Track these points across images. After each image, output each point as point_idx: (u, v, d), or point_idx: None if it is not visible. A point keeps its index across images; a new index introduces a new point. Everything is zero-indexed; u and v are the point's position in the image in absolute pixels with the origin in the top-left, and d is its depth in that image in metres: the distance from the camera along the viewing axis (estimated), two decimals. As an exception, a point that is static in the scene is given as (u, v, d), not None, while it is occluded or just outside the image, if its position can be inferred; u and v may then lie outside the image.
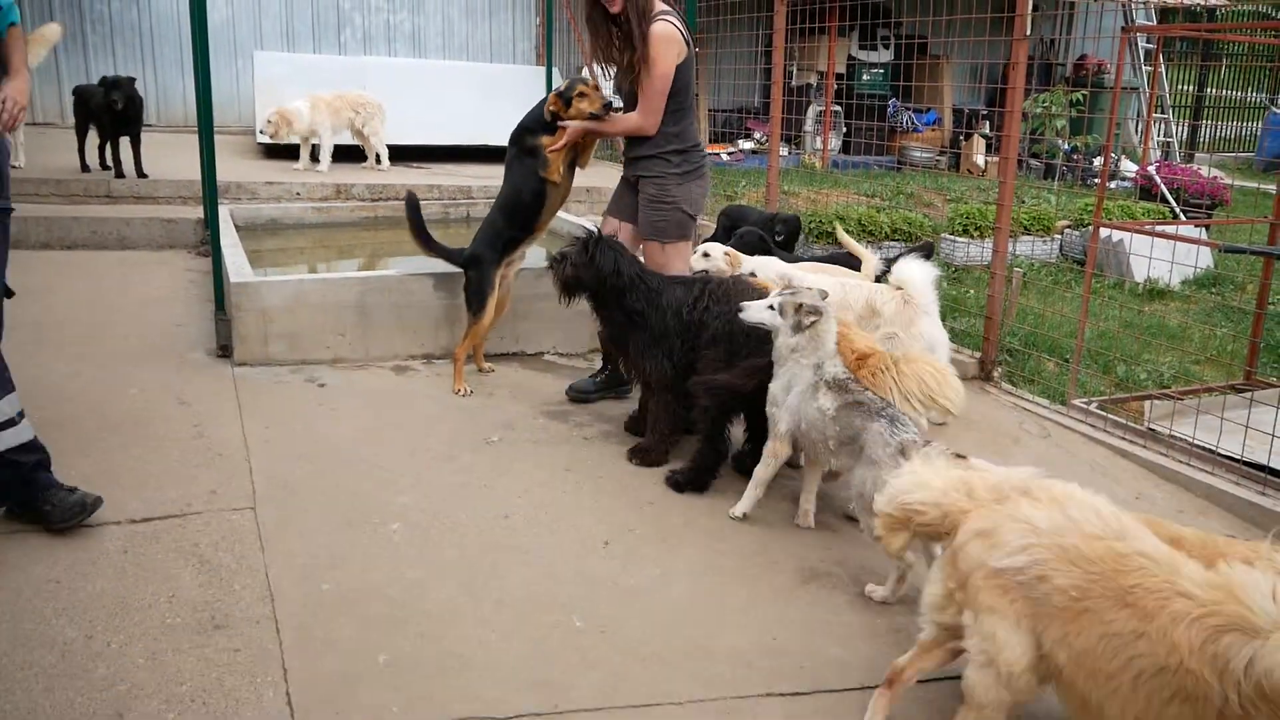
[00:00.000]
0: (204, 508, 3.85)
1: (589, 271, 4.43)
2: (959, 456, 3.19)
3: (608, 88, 5.50)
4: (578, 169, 5.38)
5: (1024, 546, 2.36)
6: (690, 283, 4.52)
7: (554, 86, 5.24)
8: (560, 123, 5.08)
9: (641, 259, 4.99)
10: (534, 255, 6.91)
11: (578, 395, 5.30)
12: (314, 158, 10.14)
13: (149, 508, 3.81)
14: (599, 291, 4.50)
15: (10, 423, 3.48)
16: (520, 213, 5.27)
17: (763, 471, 3.98)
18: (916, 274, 4.95)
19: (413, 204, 5.34)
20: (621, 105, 5.09)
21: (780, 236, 7.18)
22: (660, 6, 4.75)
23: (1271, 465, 4.32)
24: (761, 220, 7.44)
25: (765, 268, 5.50)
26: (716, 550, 3.83)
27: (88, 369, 5.22)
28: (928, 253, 6.52)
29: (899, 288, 4.98)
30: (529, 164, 5.19)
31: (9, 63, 3.58)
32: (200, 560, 3.48)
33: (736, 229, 7.58)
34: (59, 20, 12.90)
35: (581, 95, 5.05)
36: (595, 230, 4.51)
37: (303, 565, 3.50)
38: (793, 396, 3.80)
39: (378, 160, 10.44)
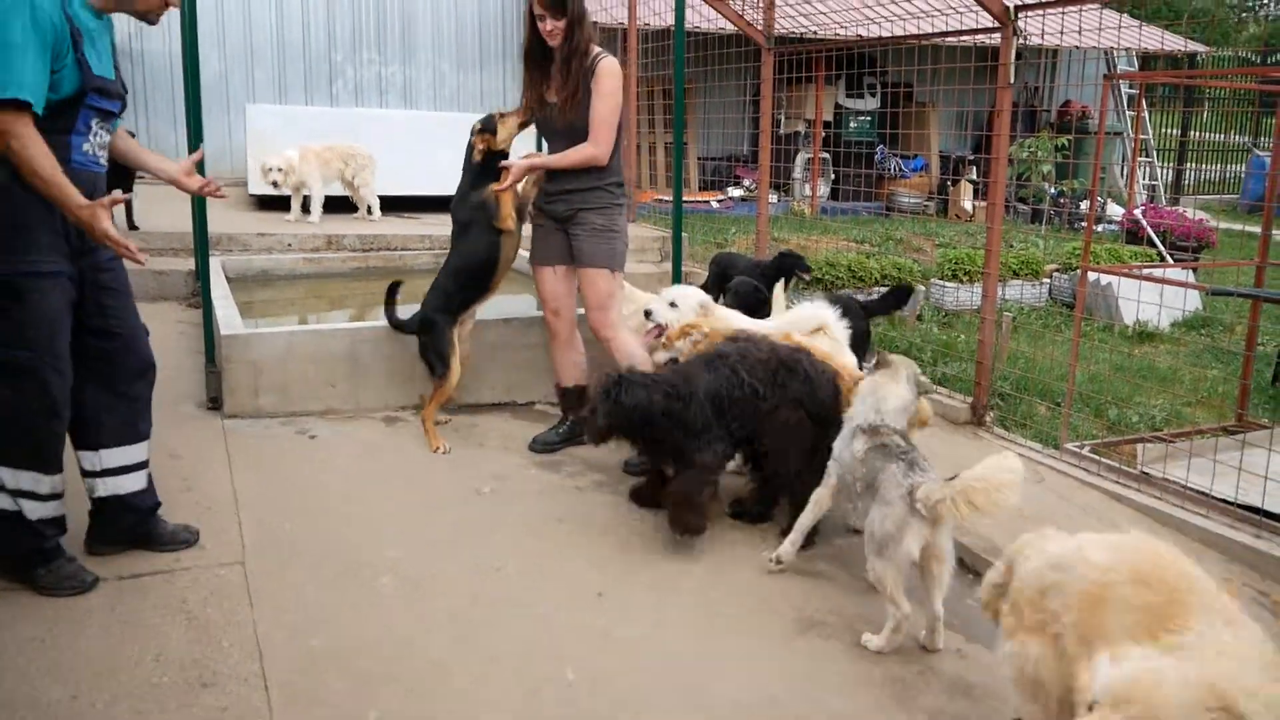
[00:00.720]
0: (193, 563, 3.81)
1: (620, 416, 4.05)
2: None
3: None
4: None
5: None
6: (713, 362, 4.27)
7: (472, 130, 5.23)
8: (502, 165, 5.06)
9: (576, 295, 5.13)
10: (526, 305, 6.93)
11: (543, 447, 5.28)
12: (305, 209, 10.17)
13: (137, 563, 3.77)
14: (634, 430, 4.14)
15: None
16: (474, 277, 5.22)
17: (806, 518, 3.96)
18: (824, 313, 5.15)
19: (392, 288, 5.50)
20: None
21: (794, 276, 7.17)
22: (596, 47, 4.93)
23: (1266, 508, 4.31)
24: (752, 265, 7.47)
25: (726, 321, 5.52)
26: (711, 600, 3.79)
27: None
28: (906, 294, 6.63)
29: (818, 329, 5.13)
30: (476, 229, 5.15)
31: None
32: (188, 616, 3.44)
33: (727, 276, 7.61)
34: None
35: (503, 117, 5.11)
36: (614, 373, 4.19)
37: (292, 621, 3.46)
38: (838, 444, 3.85)
39: (369, 211, 10.48)
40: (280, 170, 9.89)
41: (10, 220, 3.25)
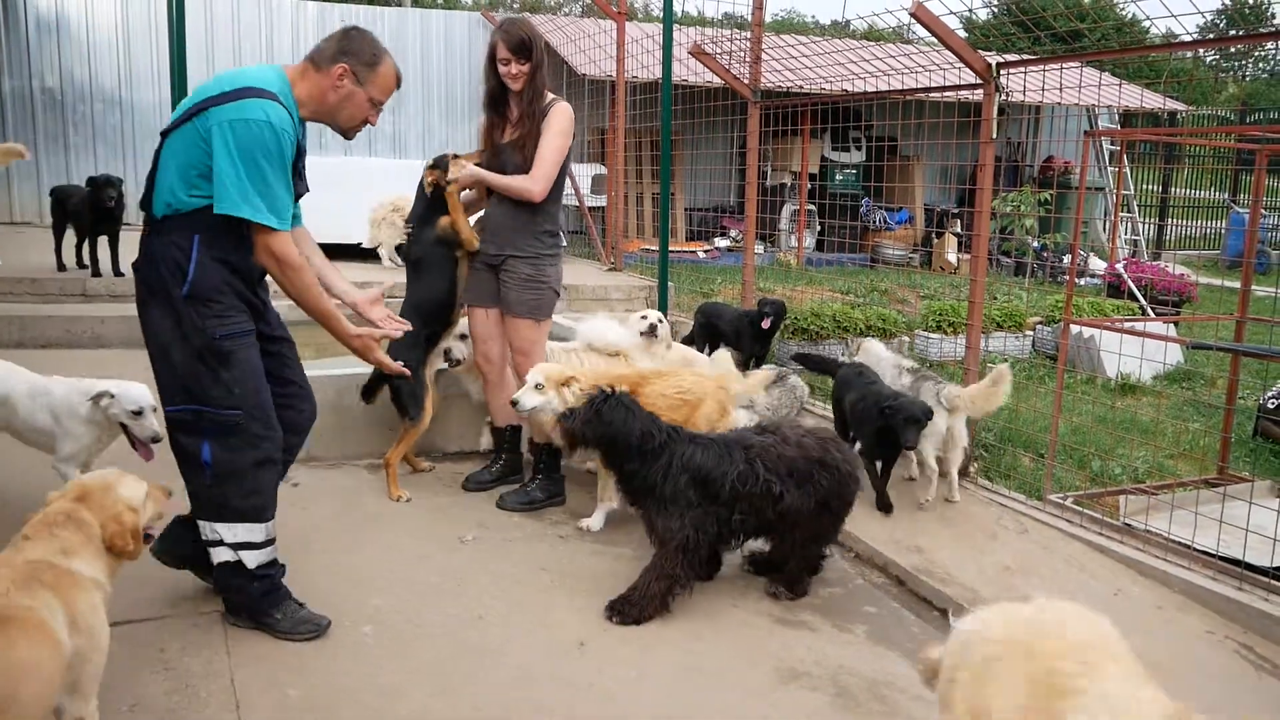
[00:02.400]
0: (171, 611, 3.77)
1: (595, 429, 4.04)
2: None
3: None
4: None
5: None
6: (716, 444, 4.13)
7: (426, 165, 5.26)
8: (449, 179, 5.08)
9: (505, 341, 5.17)
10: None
11: (476, 485, 5.33)
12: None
13: (116, 612, 3.71)
14: (602, 448, 4.11)
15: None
16: (436, 310, 5.19)
17: None
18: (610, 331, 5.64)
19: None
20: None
21: (768, 323, 7.25)
22: (550, 94, 5.05)
23: (1247, 560, 4.31)
24: (738, 316, 7.52)
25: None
26: (693, 651, 3.77)
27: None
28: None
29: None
30: (433, 262, 5.14)
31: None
32: (165, 666, 3.39)
33: (713, 325, 7.65)
34: (42, 121, 13.13)
35: (456, 158, 5.16)
36: (608, 389, 4.21)
37: (270, 671, 3.42)
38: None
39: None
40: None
41: (206, 287, 3.36)
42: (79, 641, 2.53)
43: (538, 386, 4.65)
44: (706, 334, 7.74)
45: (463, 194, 5.18)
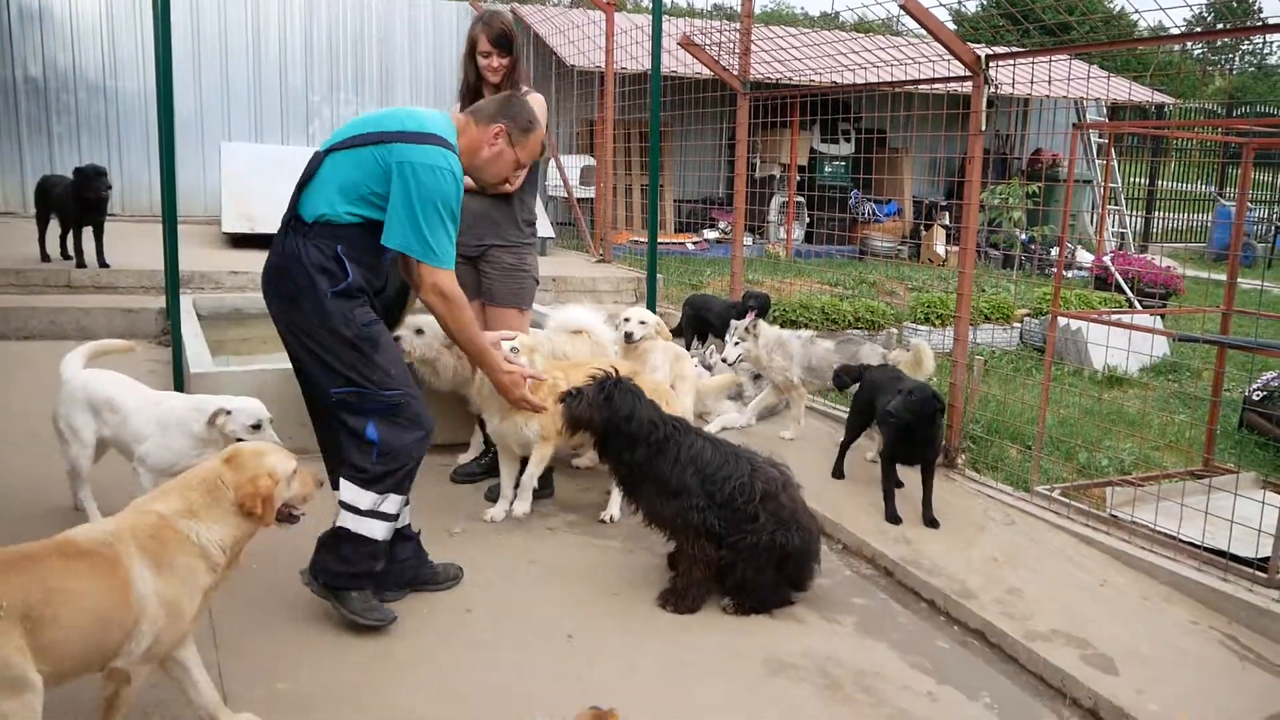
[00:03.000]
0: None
1: (601, 413, 4.01)
2: None
3: None
4: None
5: None
6: (721, 447, 4.16)
7: None
8: None
9: (485, 331, 4.92)
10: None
11: (464, 478, 5.36)
12: None
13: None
14: (606, 434, 4.08)
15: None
16: (390, 303, 5.15)
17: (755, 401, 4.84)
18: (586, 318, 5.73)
19: None
20: None
21: (751, 316, 7.26)
22: (526, 85, 5.07)
23: (1232, 551, 4.34)
24: (726, 307, 7.51)
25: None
26: (682, 643, 3.77)
27: (39, 464, 5.11)
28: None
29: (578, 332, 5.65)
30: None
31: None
32: (151, 658, 3.37)
33: (701, 318, 7.65)
34: (25, 109, 13.04)
35: None
36: (614, 371, 4.19)
37: (258, 664, 3.40)
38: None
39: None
40: None
41: (354, 287, 3.58)
42: (162, 595, 2.65)
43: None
44: (695, 326, 7.74)
45: None
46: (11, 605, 2.36)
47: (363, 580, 3.70)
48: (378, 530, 3.64)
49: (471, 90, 5.07)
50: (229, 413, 4.04)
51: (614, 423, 4.02)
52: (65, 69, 13.28)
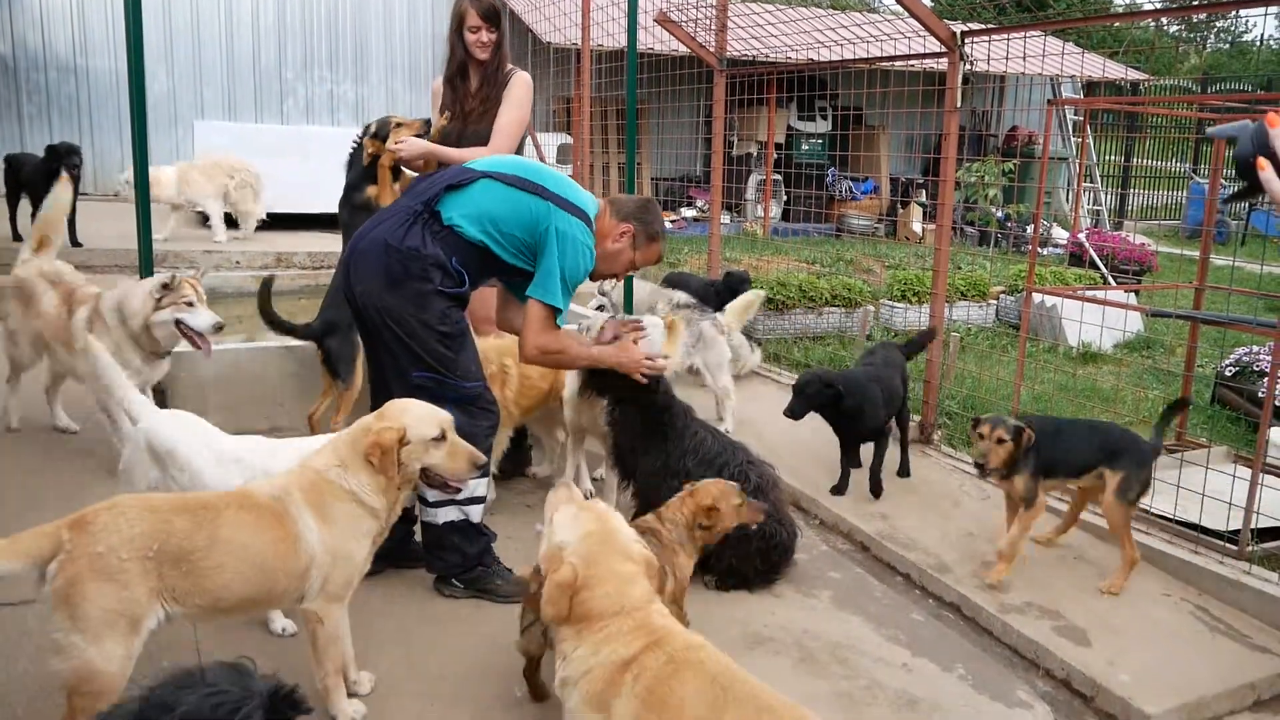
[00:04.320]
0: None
1: (627, 382, 4.09)
2: None
3: None
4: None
5: None
6: (719, 437, 4.31)
7: (364, 131, 5.18)
8: (397, 143, 4.96)
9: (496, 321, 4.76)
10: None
11: None
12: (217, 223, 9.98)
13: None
14: (628, 409, 4.21)
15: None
16: None
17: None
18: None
19: (266, 283, 5.20)
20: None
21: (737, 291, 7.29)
22: (510, 64, 5.11)
23: (1203, 525, 4.39)
24: (705, 285, 7.52)
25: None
26: (660, 618, 3.79)
27: (10, 444, 5.08)
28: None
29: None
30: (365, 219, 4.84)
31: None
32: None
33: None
34: (-5, 89, 12.86)
35: (399, 126, 5.07)
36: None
37: (234, 640, 3.40)
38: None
39: (237, 226, 10.20)
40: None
41: (460, 291, 3.75)
42: (327, 542, 2.86)
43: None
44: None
45: (410, 168, 5.08)
46: (164, 549, 2.59)
47: (486, 557, 3.89)
48: (475, 514, 3.83)
49: (460, 66, 5.03)
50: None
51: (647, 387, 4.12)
52: (35, 48, 13.10)
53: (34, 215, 8.80)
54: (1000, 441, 4.03)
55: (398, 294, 3.64)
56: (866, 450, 5.04)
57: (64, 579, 2.50)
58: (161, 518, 2.63)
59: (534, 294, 3.72)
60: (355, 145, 5.19)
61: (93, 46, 13.29)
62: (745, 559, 4.04)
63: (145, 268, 5.77)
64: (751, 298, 6.81)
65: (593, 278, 4.03)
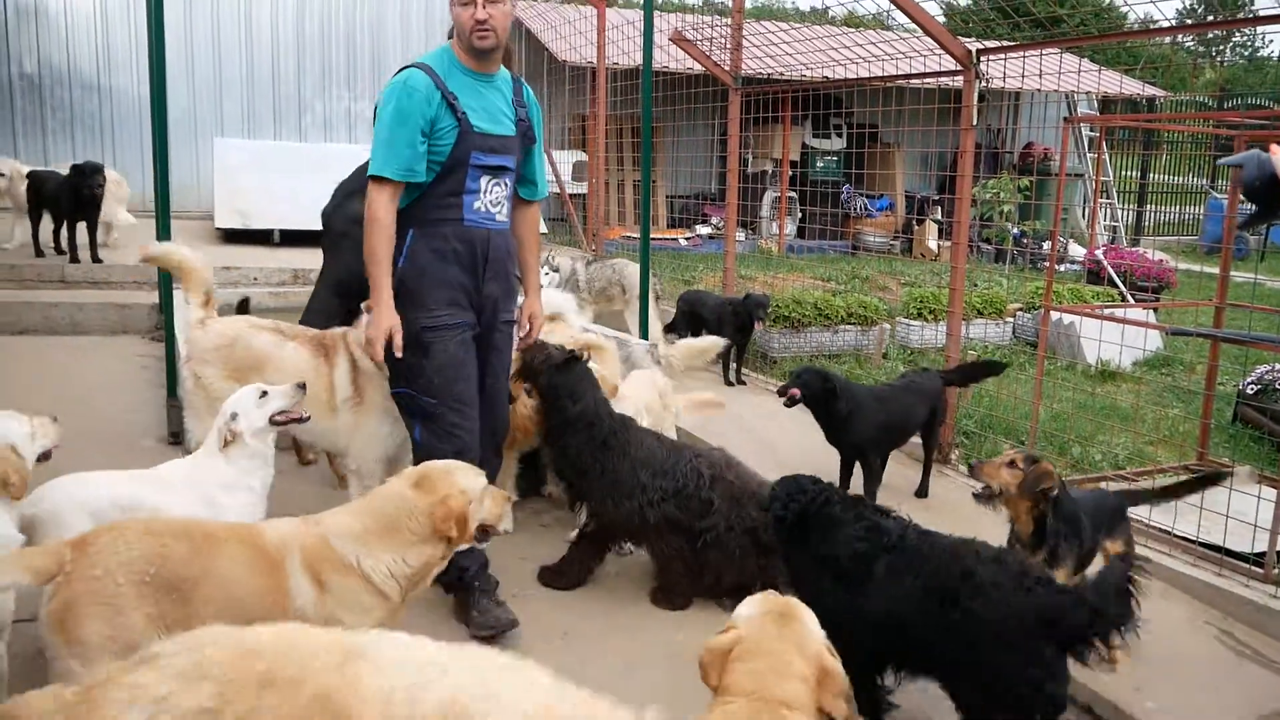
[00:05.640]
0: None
1: (550, 377, 4.03)
2: None
3: None
4: None
5: None
6: (672, 446, 4.20)
7: None
8: None
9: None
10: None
11: None
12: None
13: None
14: (550, 406, 4.09)
15: None
16: (359, 289, 5.00)
17: None
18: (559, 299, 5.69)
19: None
20: None
21: (761, 326, 7.30)
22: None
23: (1227, 546, 4.34)
24: (720, 303, 7.51)
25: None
26: (677, 640, 3.77)
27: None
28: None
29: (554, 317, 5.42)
30: (360, 242, 4.10)
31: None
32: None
33: (696, 314, 7.65)
34: (20, 106, 13.02)
35: None
36: (577, 351, 4.16)
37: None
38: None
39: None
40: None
41: (415, 280, 3.61)
42: (320, 612, 2.66)
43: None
44: (689, 322, 7.73)
45: None
46: (160, 574, 2.50)
47: (480, 584, 3.78)
48: None
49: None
50: (235, 415, 3.41)
51: (558, 391, 4.01)
52: (60, 66, 13.25)
53: (55, 233, 8.91)
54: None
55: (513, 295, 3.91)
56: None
57: (60, 602, 2.46)
58: (160, 541, 2.56)
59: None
60: None
61: (116, 65, 13.42)
62: (730, 556, 3.95)
63: (165, 284, 5.81)
64: (709, 345, 6.56)
65: (471, 51, 3.63)
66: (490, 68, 3.73)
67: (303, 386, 3.55)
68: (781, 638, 2.31)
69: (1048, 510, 3.44)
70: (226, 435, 3.35)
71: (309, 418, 3.59)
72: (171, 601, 2.51)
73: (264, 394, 3.44)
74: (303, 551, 2.72)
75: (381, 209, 3.53)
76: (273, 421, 3.43)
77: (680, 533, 3.98)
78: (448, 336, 3.65)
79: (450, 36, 3.77)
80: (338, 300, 5.07)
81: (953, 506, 5.10)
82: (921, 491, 5.21)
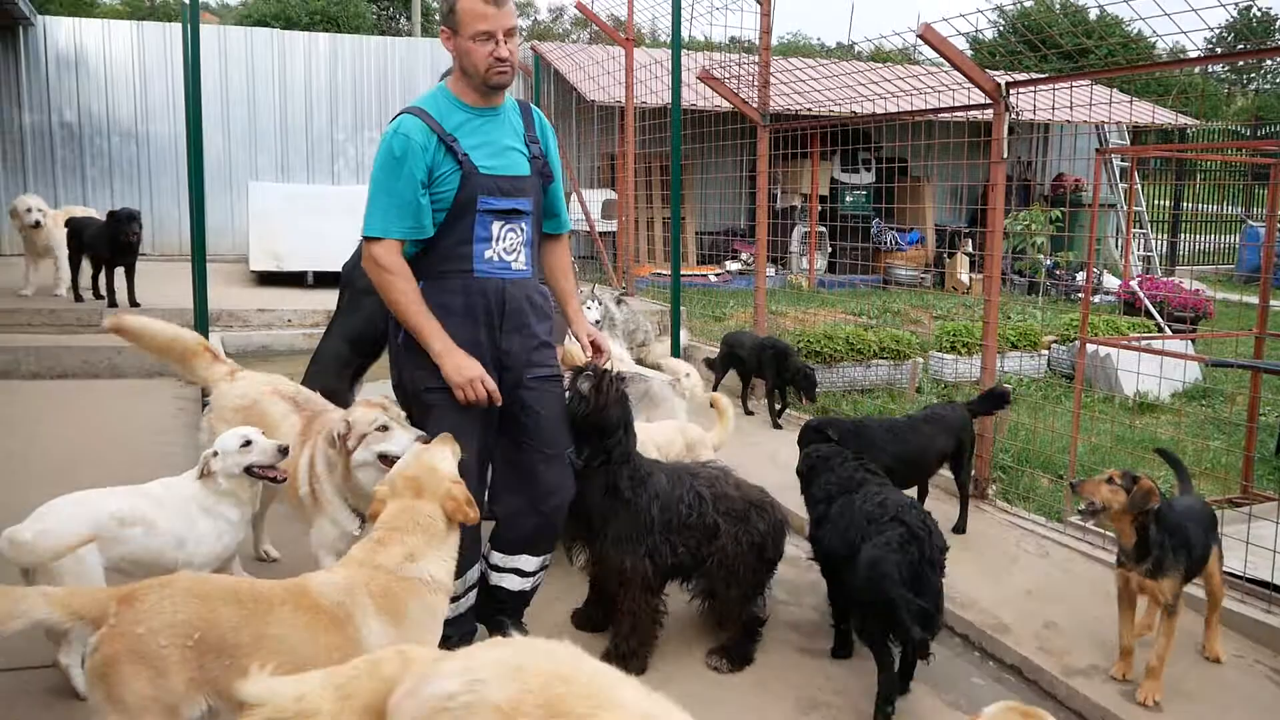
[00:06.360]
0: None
1: (584, 405, 3.70)
2: None
3: None
4: None
5: None
6: (672, 472, 3.96)
7: None
8: None
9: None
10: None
11: None
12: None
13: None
14: (593, 426, 3.73)
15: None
16: (374, 342, 4.97)
17: None
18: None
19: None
20: None
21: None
22: None
23: (1275, 582, 4.24)
24: (759, 342, 7.51)
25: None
26: (713, 683, 3.73)
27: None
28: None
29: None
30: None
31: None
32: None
33: (735, 355, 7.67)
34: (61, 154, 13.31)
35: None
36: (600, 369, 3.84)
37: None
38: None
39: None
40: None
41: (414, 339, 3.42)
42: (401, 641, 2.62)
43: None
44: (727, 363, 7.76)
45: None
46: (205, 640, 2.47)
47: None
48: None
49: None
50: (216, 454, 3.54)
51: (601, 423, 3.72)
52: (100, 115, 13.58)
53: (94, 278, 9.05)
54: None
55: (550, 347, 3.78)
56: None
57: (102, 656, 2.45)
58: (208, 606, 2.52)
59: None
60: None
61: (153, 113, 13.72)
62: (735, 582, 3.82)
63: (201, 327, 5.87)
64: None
65: (482, 88, 3.44)
66: (495, 100, 3.52)
67: (284, 451, 3.61)
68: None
69: (1150, 523, 3.56)
70: (204, 468, 3.52)
71: (285, 479, 3.65)
72: (222, 667, 2.47)
73: (248, 442, 3.53)
74: (374, 598, 2.69)
75: (387, 259, 3.35)
76: (249, 471, 3.53)
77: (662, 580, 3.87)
78: (452, 399, 3.43)
79: (443, 77, 3.65)
80: (351, 350, 5.08)
81: (990, 542, 5.03)
82: (959, 527, 5.13)
